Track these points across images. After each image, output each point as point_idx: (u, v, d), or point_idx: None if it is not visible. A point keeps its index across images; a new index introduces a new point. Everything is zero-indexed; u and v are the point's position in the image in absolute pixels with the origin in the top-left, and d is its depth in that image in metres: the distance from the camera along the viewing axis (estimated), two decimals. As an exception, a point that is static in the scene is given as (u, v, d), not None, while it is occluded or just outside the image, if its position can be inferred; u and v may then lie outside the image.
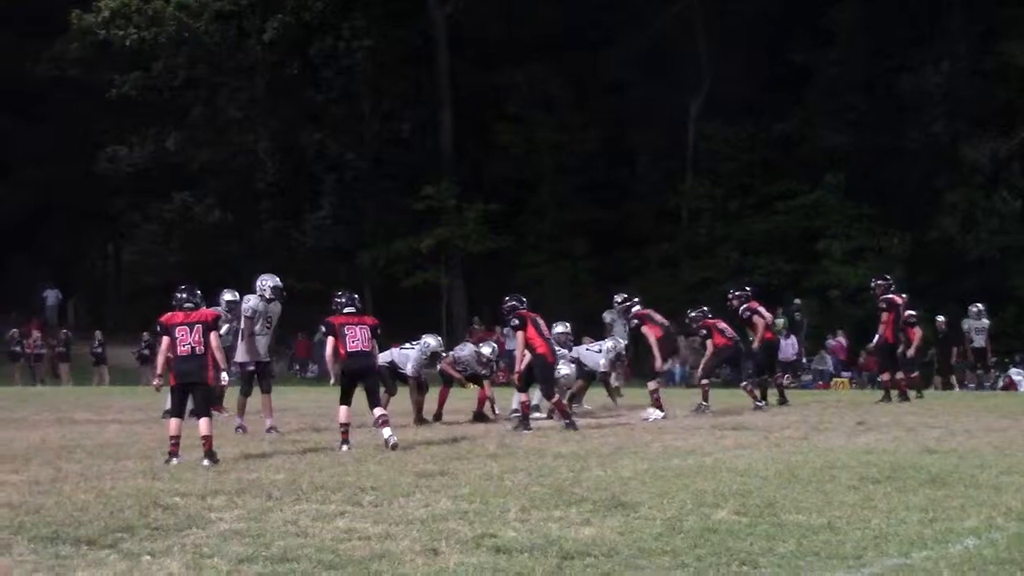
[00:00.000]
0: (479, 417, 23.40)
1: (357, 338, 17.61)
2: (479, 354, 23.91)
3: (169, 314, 16.35)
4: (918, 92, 50.07)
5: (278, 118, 57.55)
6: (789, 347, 39.75)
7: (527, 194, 56.75)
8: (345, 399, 17.60)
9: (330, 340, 18.05)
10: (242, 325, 21.13)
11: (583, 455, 15.92)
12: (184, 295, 16.42)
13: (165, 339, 16.23)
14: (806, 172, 51.42)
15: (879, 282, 28.27)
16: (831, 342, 43.52)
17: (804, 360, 42.64)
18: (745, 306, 26.76)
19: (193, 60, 55.95)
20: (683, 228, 54.43)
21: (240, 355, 21.17)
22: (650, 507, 11.22)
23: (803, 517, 10.65)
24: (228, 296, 23.57)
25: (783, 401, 26.48)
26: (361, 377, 17.76)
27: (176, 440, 15.71)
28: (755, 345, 26.34)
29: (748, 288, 27.87)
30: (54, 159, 57.38)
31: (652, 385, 23.17)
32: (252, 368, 21.12)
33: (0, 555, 9.45)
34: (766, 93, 52.29)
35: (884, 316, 27.38)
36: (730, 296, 27.34)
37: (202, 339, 15.97)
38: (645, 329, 23.47)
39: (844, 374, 42.71)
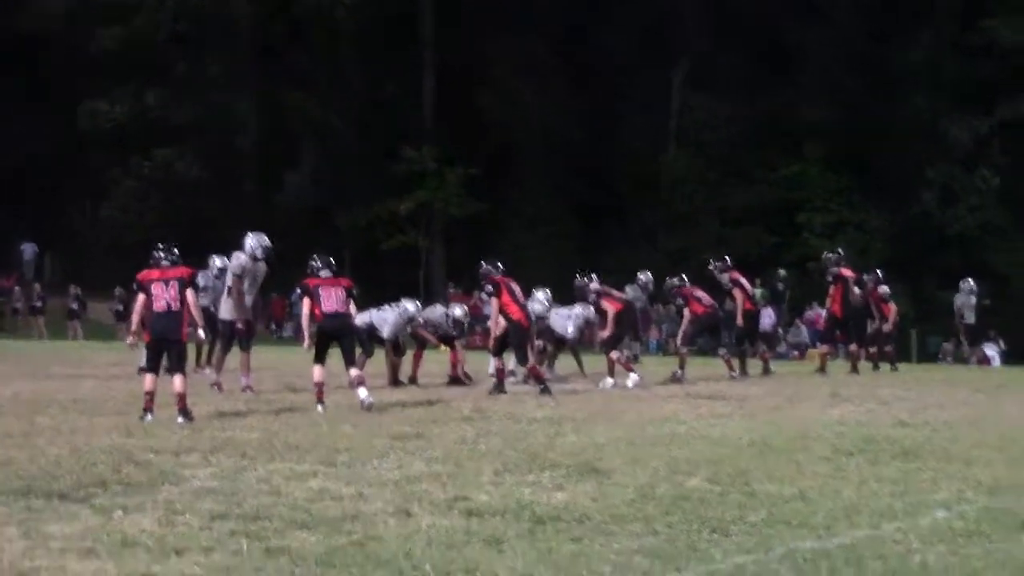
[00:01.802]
0: (454, 380, 23.43)
1: (333, 299, 17.64)
2: (449, 315, 24.00)
3: (146, 271, 16.33)
4: (902, 68, 50.08)
5: (261, 78, 57.37)
6: (766, 318, 39.76)
7: (509, 160, 56.65)
8: (320, 358, 17.61)
9: (306, 301, 18.06)
10: (229, 282, 21.10)
11: (557, 420, 15.95)
12: (161, 252, 16.39)
13: (141, 296, 16.20)
14: (789, 145, 51.43)
15: (828, 255, 28.43)
16: (810, 314, 43.54)
17: (781, 331, 42.71)
18: (726, 275, 26.86)
19: (176, 16, 55.71)
20: (665, 198, 54.39)
21: (226, 312, 21.15)
22: (623, 474, 11.24)
23: (775, 487, 10.67)
24: (219, 263, 23.62)
25: (767, 371, 26.60)
26: (337, 337, 17.77)
27: (151, 396, 15.68)
28: (738, 318, 26.48)
29: (728, 258, 27.94)
30: (34, 113, 57.02)
31: (614, 354, 23.18)
32: (241, 326, 21.10)
33: (-28, 507, 9.44)
34: (752, 66, 52.23)
35: (831, 289, 27.57)
36: (711, 266, 27.41)
37: (178, 295, 15.94)
38: (605, 303, 23.54)
39: (820, 346, 42.67)
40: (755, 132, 53.14)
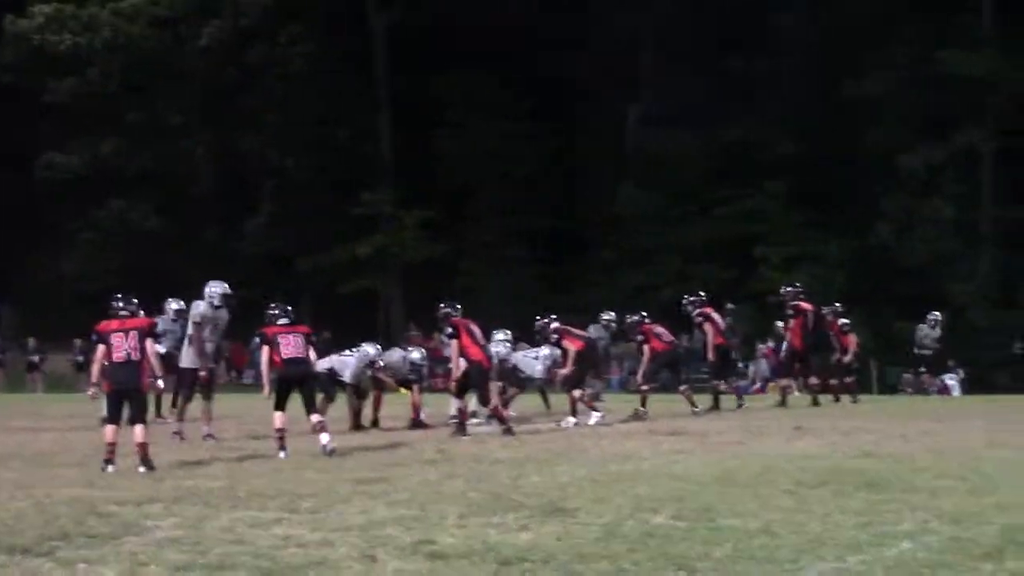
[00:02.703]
0: (416, 424, 23.42)
1: (292, 346, 17.66)
2: (406, 359, 24.11)
3: (105, 322, 16.29)
4: (858, 99, 50.28)
5: (215, 124, 57.38)
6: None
7: (467, 201, 56.70)
8: (280, 405, 17.60)
9: (265, 350, 18.04)
10: (190, 331, 21.07)
11: (521, 461, 15.94)
12: (119, 303, 16.37)
13: (101, 347, 16.15)
14: (749, 179, 51.54)
15: (788, 289, 28.69)
16: (761, 347, 43.50)
17: (740, 365, 42.76)
18: (698, 311, 27.02)
19: (129, 66, 55.70)
20: (625, 234, 54.44)
21: (187, 361, 21.12)
22: (588, 512, 11.24)
23: (740, 521, 10.69)
24: (175, 305, 23.73)
25: (739, 406, 26.81)
26: (297, 383, 17.76)
27: (112, 447, 15.62)
28: (709, 353, 26.69)
29: (702, 293, 28.10)
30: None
31: (576, 393, 23.21)
32: (203, 373, 21.05)
33: (-67, 564, 9.37)
34: (709, 99, 52.40)
35: (791, 323, 27.76)
36: (684, 301, 27.57)
37: (138, 345, 15.91)
38: (566, 343, 23.59)
39: (780, 380, 42.73)
40: (714, 166, 53.27)
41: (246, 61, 55.87)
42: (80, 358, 42.96)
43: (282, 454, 17.01)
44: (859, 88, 49.48)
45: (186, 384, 21.29)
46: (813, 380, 28.75)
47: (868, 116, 50.35)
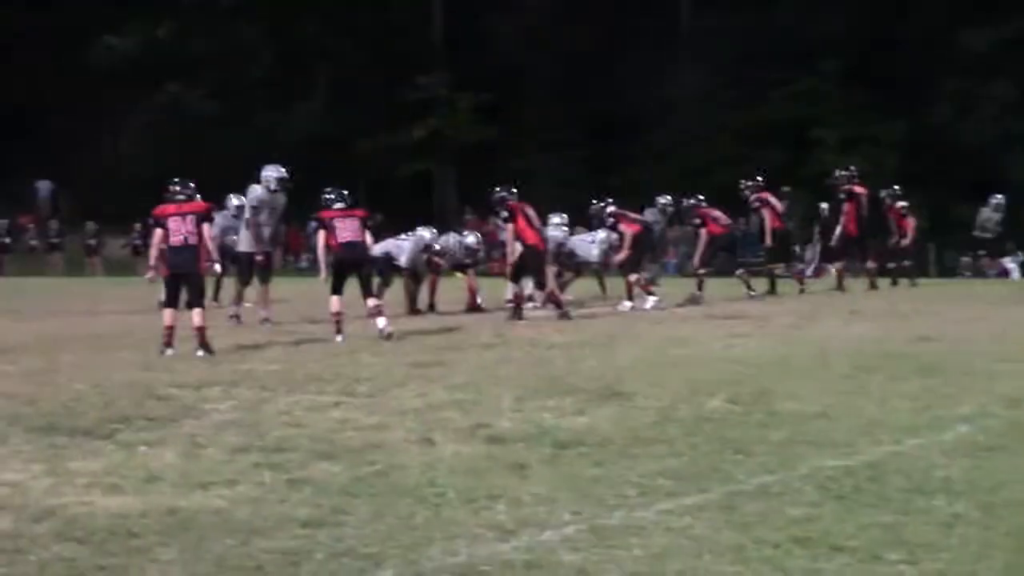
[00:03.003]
0: (472, 308, 23.45)
1: (348, 230, 17.66)
2: (461, 243, 24.10)
3: (162, 206, 16.38)
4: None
5: (271, 6, 57.11)
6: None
7: (520, 83, 56.37)
8: (337, 289, 17.65)
9: (321, 233, 18.09)
10: (247, 215, 21.12)
11: (577, 345, 15.95)
12: (177, 187, 16.42)
13: (158, 231, 16.24)
14: (803, 60, 51.01)
15: (841, 173, 28.39)
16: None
17: (796, 249, 42.53)
18: (755, 196, 26.91)
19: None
20: (678, 117, 54.11)
21: (244, 244, 21.19)
22: (644, 396, 11.24)
23: (796, 405, 10.67)
24: (235, 201, 23.72)
25: (801, 291, 26.68)
26: (354, 267, 17.78)
27: (171, 330, 15.71)
28: (767, 237, 26.61)
29: (759, 177, 27.92)
30: (46, 47, 56.93)
31: (633, 277, 23.15)
32: (260, 257, 21.14)
33: (-4, 446, 9.47)
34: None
35: (845, 207, 27.54)
36: (741, 185, 27.43)
37: (195, 229, 15.96)
38: (622, 227, 23.50)
39: (837, 264, 42.50)
40: (767, 47, 52.73)
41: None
42: (138, 242, 43.17)
43: (339, 338, 17.08)
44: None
45: (243, 268, 21.37)
46: (869, 264, 28.53)
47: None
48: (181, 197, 16.35)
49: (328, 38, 56.31)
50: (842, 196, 27.72)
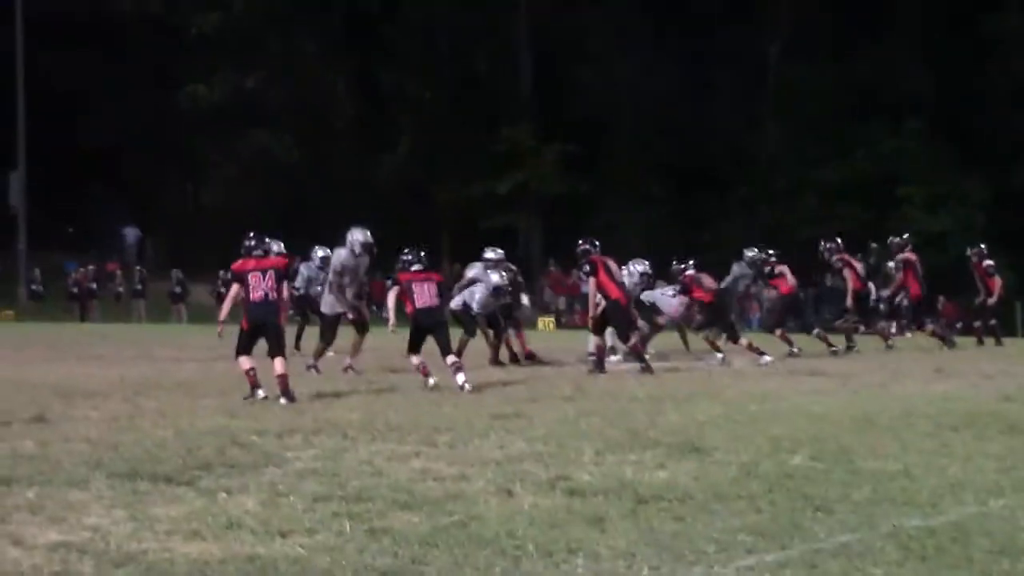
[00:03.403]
0: (528, 358, 23.45)
1: (425, 294, 17.76)
2: (493, 287, 23.34)
3: (240, 261, 16.66)
4: (1001, 32, 49.32)
5: (356, 56, 57.61)
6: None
7: (605, 135, 56.48)
8: (415, 348, 17.74)
9: (395, 290, 18.20)
10: (331, 277, 21.30)
11: (659, 399, 15.89)
12: (252, 242, 16.68)
13: (235, 285, 16.55)
14: (888, 116, 50.88)
15: (894, 240, 28.56)
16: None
17: (882, 306, 42.30)
18: (837, 257, 26.93)
19: (272, -2, 56.19)
20: (762, 172, 54.05)
21: (327, 306, 21.38)
22: (725, 452, 11.18)
23: (879, 464, 10.58)
24: (320, 253, 24.01)
25: (888, 348, 26.65)
26: (431, 331, 17.84)
27: (253, 372, 15.84)
28: (848, 298, 26.62)
29: (839, 240, 27.88)
30: (135, 96, 57.71)
31: (701, 334, 23.21)
32: (352, 316, 21.36)
33: (79, 491, 9.53)
34: (847, 33, 51.76)
35: (899, 276, 27.78)
36: (822, 247, 27.44)
37: (275, 284, 16.21)
38: (695, 295, 23.56)
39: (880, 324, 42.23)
40: (854, 104, 52.64)
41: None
42: (222, 289, 43.50)
43: (430, 381, 17.21)
44: (998, 20, 48.51)
45: (327, 328, 21.53)
46: (930, 327, 28.50)
47: (1009, 49, 49.37)
48: (259, 252, 16.82)
49: (414, 88, 56.65)
50: (896, 264, 27.87)
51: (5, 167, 53.24)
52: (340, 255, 21.14)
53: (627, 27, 55.43)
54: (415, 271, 18.11)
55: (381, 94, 57.47)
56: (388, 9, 56.82)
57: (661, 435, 12.21)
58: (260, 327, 16.35)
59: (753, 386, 17.78)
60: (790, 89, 54.07)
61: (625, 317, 21.20)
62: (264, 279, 16.27)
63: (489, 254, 23.66)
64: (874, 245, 41.90)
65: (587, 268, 21.17)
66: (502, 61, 57.46)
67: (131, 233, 56.48)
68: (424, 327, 17.78)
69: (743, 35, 53.52)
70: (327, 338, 21.54)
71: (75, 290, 49.59)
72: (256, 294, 16.24)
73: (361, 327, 21.41)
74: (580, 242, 21.97)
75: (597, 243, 21.80)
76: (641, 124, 55.93)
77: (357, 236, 21.17)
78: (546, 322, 42.95)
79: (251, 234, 17.06)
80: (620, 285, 21.21)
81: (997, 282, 29.91)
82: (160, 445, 11.55)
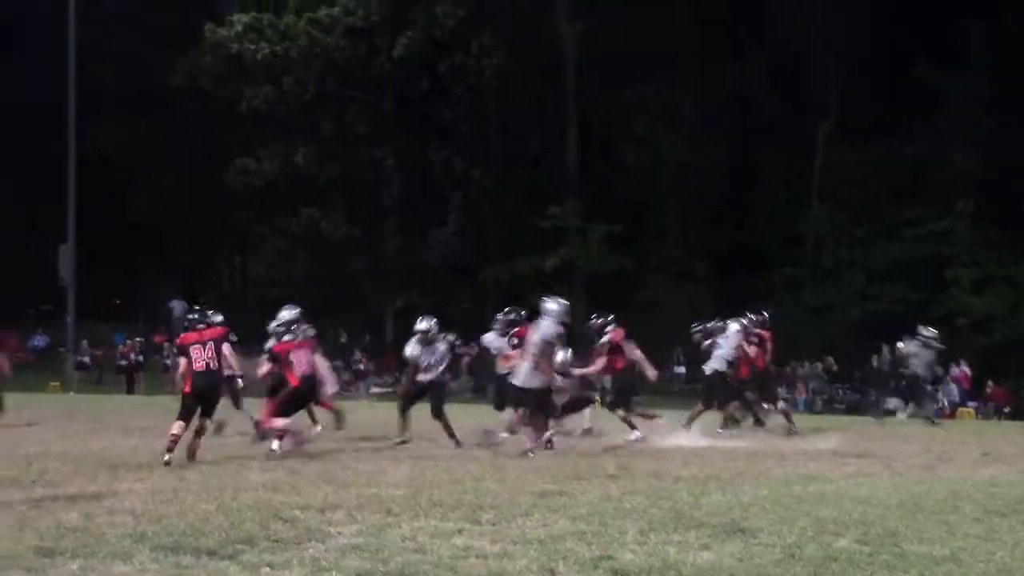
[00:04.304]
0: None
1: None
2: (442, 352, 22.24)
3: (184, 335, 18.36)
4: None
5: (406, 134, 57.90)
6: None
7: (650, 214, 56.56)
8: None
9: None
10: (536, 350, 20.08)
11: (703, 479, 15.82)
12: (195, 316, 18.93)
13: (182, 359, 18.22)
14: (936, 197, 50.79)
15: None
16: (955, 371, 42.83)
17: (930, 388, 42.11)
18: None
19: (323, 75, 56.49)
20: (808, 252, 54.01)
21: (534, 380, 20.33)
22: (770, 533, 11.12)
23: (926, 548, 10.50)
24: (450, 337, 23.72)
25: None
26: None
27: (176, 438, 17.23)
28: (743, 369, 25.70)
29: (765, 313, 26.75)
30: (184, 170, 58.16)
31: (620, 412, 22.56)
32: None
33: (122, 563, 9.54)
34: (894, 115, 51.78)
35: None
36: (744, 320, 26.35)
37: (215, 354, 17.91)
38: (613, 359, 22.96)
39: (969, 404, 42.07)
40: (901, 184, 52.59)
41: (438, 71, 56.32)
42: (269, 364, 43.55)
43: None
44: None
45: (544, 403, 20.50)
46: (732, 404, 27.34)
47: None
48: (201, 326, 18.27)
49: (462, 166, 56.89)
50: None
51: (55, 239, 53.58)
52: (550, 327, 20.44)
53: (673, 107, 55.59)
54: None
55: (430, 171, 57.67)
56: (438, 88, 57.11)
57: (705, 515, 12.16)
58: (201, 395, 17.67)
59: (798, 468, 17.68)
60: (837, 169, 54.02)
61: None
62: (204, 350, 17.68)
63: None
64: (922, 329, 41.81)
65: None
66: (549, 140, 57.65)
67: (178, 306, 56.56)
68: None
69: (790, 115, 53.58)
70: (556, 413, 21.03)
71: (123, 362, 49.81)
72: (198, 364, 17.61)
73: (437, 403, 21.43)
74: (507, 310, 22.34)
75: (523, 312, 21.99)
76: (686, 203, 56.01)
77: (422, 324, 21.28)
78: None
79: (195, 307, 18.76)
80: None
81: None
82: (203, 518, 11.56)
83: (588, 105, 56.71)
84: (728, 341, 24.04)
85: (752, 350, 23.85)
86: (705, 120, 55.37)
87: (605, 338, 22.69)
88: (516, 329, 22.23)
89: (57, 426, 25.84)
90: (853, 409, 28.81)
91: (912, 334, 31.17)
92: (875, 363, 31.97)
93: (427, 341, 21.82)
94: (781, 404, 25.82)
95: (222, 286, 62.29)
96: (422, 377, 21.88)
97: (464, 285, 55.03)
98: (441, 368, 21.91)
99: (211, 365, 17.62)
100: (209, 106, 57.56)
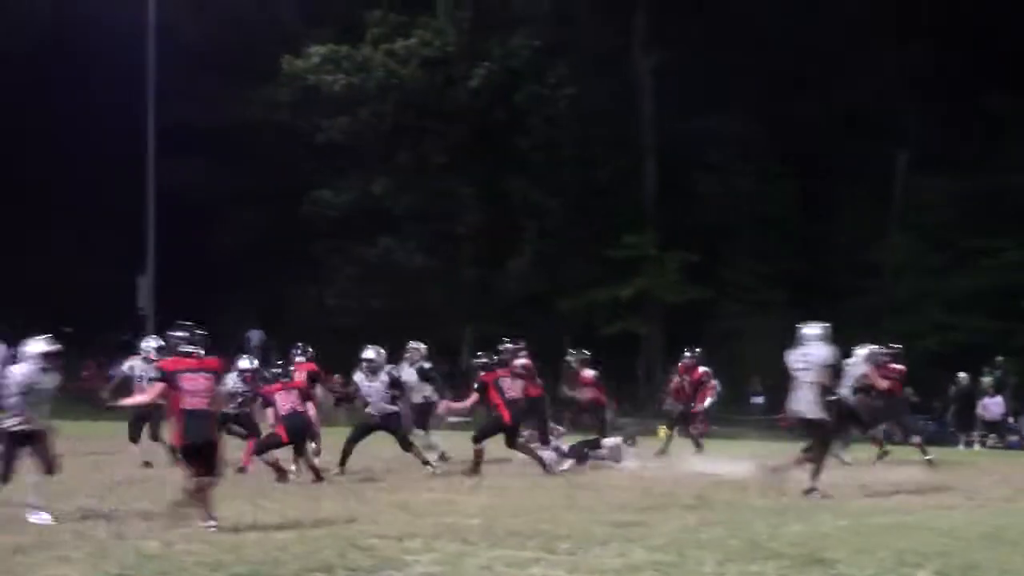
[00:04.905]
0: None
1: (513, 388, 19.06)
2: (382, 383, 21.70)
3: (173, 359, 14.52)
4: None
5: (481, 164, 57.96)
6: (995, 406, 38.98)
7: (725, 243, 56.37)
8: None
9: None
10: (810, 377, 19.69)
11: (781, 509, 15.74)
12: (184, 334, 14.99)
13: (162, 386, 14.06)
14: (1013, 225, 50.32)
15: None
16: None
17: (1011, 420, 41.68)
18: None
19: (400, 106, 56.68)
20: (885, 282, 53.65)
21: (816, 410, 18.93)
22: (849, 564, 11.04)
23: (1008, 580, 10.41)
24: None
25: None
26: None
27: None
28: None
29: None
30: (261, 201, 58.41)
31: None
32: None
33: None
34: (970, 144, 51.41)
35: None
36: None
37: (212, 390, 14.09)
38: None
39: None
40: (977, 213, 52.14)
41: (513, 102, 56.38)
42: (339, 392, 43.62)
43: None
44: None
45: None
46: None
47: None
48: (199, 352, 14.22)
49: (539, 196, 56.89)
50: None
51: (135, 270, 54.02)
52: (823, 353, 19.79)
53: (750, 136, 55.42)
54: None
55: (505, 201, 57.64)
56: (515, 119, 57.10)
57: (783, 546, 12.09)
58: (198, 446, 13.57)
59: (877, 498, 17.56)
60: (917, 199, 53.63)
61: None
62: (200, 382, 13.63)
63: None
64: (999, 359, 41.49)
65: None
66: (625, 170, 57.57)
67: (256, 335, 56.79)
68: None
69: (868, 145, 53.24)
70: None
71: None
72: (194, 401, 13.48)
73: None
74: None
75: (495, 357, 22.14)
76: (762, 233, 55.75)
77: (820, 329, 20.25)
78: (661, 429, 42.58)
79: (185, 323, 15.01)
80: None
81: None
82: (281, 548, 11.60)
83: (664, 135, 56.63)
84: (855, 369, 23.34)
85: (884, 383, 23.49)
86: (782, 149, 55.12)
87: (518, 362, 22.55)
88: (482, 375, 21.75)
89: (134, 453, 25.94)
90: (931, 440, 28.48)
91: (992, 366, 30.90)
92: (951, 393, 31.53)
93: (372, 370, 21.66)
94: (915, 438, 26.10)
95: (299, 315, 62.43)
96: (369, 411, 21.83)
97: (539, 315, 54.96)
98: (382, 401, 21.42)
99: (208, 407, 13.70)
100: (286, 138, 57.81)
